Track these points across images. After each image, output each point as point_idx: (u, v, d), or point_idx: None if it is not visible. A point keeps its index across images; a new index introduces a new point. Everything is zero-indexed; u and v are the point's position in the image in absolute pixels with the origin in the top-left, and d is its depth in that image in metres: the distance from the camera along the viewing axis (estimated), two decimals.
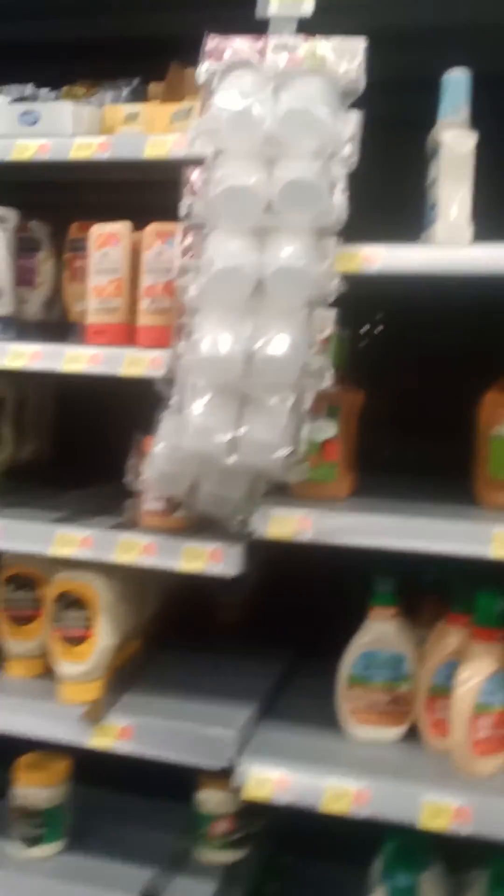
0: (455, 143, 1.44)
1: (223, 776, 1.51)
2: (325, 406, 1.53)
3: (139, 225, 1.63)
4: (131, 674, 1.70)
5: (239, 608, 1.92)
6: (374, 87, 1.44)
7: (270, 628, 1.87)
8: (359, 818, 1.42)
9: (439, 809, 1.39)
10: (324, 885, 1.74)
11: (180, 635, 1.83)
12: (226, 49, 1.44)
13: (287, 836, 1.84)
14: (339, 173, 1.39)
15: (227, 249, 1.37)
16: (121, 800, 1.88)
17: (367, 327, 1.95)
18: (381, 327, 1.95)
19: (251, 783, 1.47)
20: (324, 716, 1.59)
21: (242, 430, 1.37)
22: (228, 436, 1.36)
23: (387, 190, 1.62)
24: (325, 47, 1.42)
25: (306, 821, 1.53)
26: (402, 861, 1.46)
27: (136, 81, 1.79)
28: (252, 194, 1.36)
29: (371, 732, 1.56)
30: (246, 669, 1.76)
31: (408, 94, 1.52)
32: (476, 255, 1.41)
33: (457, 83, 1.46)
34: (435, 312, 1.73)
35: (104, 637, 1.64)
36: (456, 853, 1.63)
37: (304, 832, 1.75)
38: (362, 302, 1.81)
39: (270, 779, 1.46)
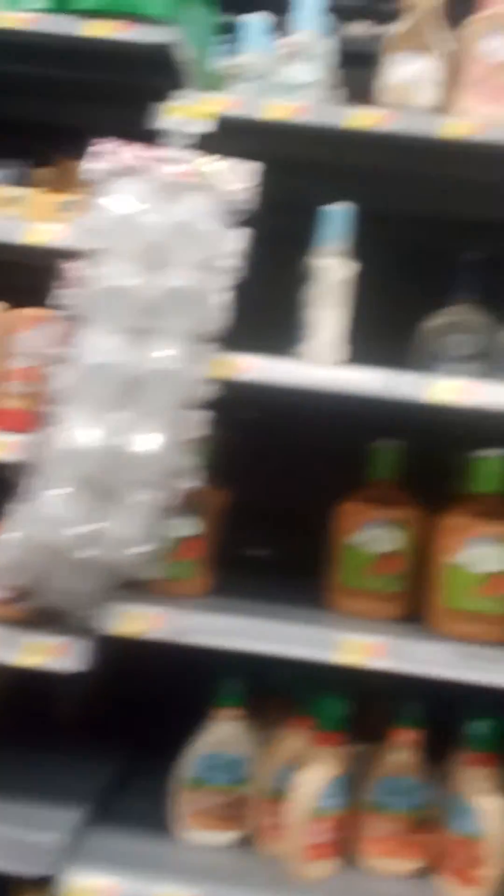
0: (329, 270, 1.55)
1: (40, 885, 1.43)
2: (189, 504, 1.55)
3: (11, 306, 1.62)
4: None
5: (81, 704, 1.86)
6: (267, 207, 1.52)
7: (111, 724, 1.82)
8: None
9: None
10: None
11: (14, 732, 1.74)
12: (118, 151, 1.48)
13: None
14: (222, 284, 1.45)
15: (102, 345, 1.39)
16: None
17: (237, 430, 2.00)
18: (250, 430, 2.01)
19: (72, 893, 1.40)
20: (158, 818, 1.55)
21: (101, 524, 1.37)
22: (83, 528, 1.35)
23: (275, 304, 1.71)
24: (218, 166, 1.49)
25: None
26: None
27: (18, 164, 1.80)
28: (132, 296, 1.40)
29: (207, 836, 1.54)
30: (81, 769, 1.69)
31: (301, 215, 1.59)
32: (339, 375, 1.49)
33: (337, 215, 1.56)
34: (304, 420, 1.81)
35: None
36: None
37: None
38: (233, 404, 1.87)
39: (95, 888, 1.40)
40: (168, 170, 1.45)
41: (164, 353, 1.41)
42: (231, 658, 1.49)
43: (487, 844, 1.42)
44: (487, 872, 1.42)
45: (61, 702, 1.87)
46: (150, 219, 1.43)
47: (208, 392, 1.44)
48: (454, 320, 1.72)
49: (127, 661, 1.73)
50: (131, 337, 1.42)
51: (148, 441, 1.38)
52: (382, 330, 1.70)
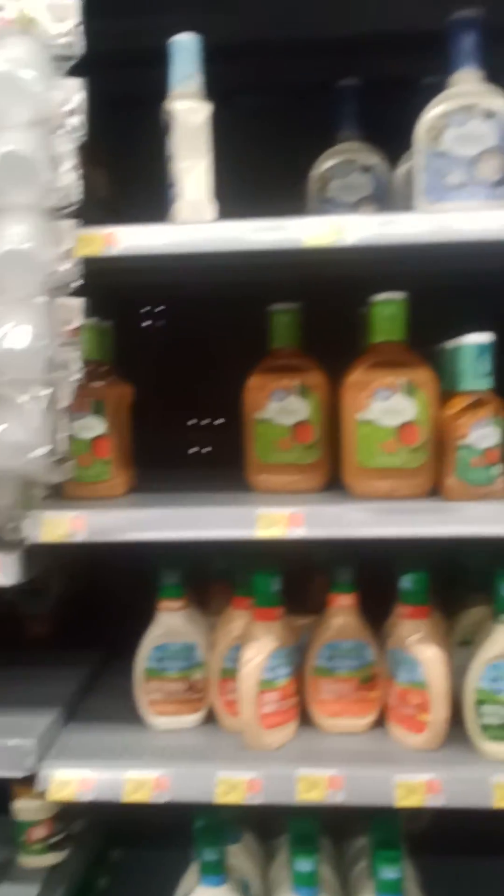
0: (187, 114, 1.40)
1: (30, 784, 1.51)
2: (89, 402, 1.52)
3: None
4: None
5: (48, 619, 1.92)
6: (114, 61, 1.38)
7: (80, 635, 1.87)
8: (161, 804, 1.45)
9: (234, 784, 1.44)
10: (153, 872, 1.77)
11: None
12: None
13: (115, 831, 1.86)
14: (65, 147, 1.32)
15: None
16: None
17: (143, 320, 1.94)
18: (156, 319, 1.95)
19: (53, 786, 1.48)
20: (127, 712, 1.61)
21: None
22: None
23: (149, 171, 1.60)
24: (36, 7, 1.32)
25: (133, 814, 1.56)
26: (210, 838, 1.50)
27: None
28: None
29: (170, 721, 1.59)
30: (51, 678, 1.75)
31: (144, 65, 1.46)
32: (215, 232, 1.39)
33: (185, 49, 1.41)
34: (205, 300, 1.73)
35: None
36: (268, 821, 1.70)
37: (130, 825, 1.78)
38: (132, 292, 1.81)
39: (72, 780, 1.48)
40: None
41: (12, 233, 1.29)
42: (170, 550, 1.49)
43: (431, 691, 1.42)
44: (433, 717, 1.43)
45: (34, 619, 1.93)
46: None
47: (76, 274, 1.34)
48: (342, 161, 1.59)
49: (91, 571, 1.78)
50: None
51: (18, 335, 1.29)
52: (271, 180, 1.60)
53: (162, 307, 1.89)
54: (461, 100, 1.42)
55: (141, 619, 1.61)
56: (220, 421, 1.84)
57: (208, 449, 1.83)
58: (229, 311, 1.71)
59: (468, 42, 1.42)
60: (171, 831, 1.70)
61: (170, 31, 1.42)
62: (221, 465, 1.72)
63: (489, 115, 1.41)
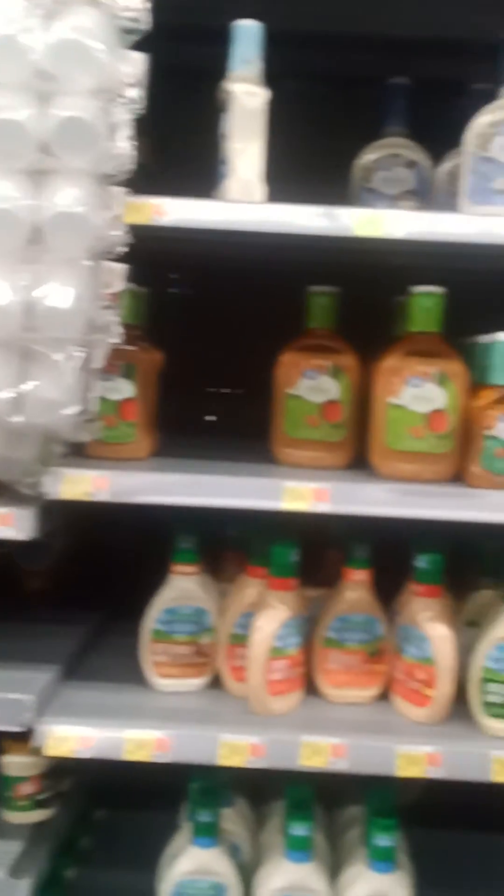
0: (245, 97, 1.44)
1: (25, 739, 1.51)
2: (120, 365, 1.53)
3: None
4: None
5: (48, 575, 1.92)
6: (171, 34, 1.40)
7: (81, 593, 1.88)
8: (161, 764, 1.47)
9: (236, 748, 1.47)
10: (137, 833, 1.79)
11: None
12: None
13: (100, 790, 1.88)
14: (123, 117, 1.34)
15: None
16: None
17: (174, 288, 1.96)
18: (186, 288, 1.97)
19: (51, 742, 1.48)
20: (130, 672, 1.62)
21: (27, 386, 1.32)
22: (11, 393, 1.31)
23: (191, 143, 1.62)
24: None
25: (118, 774, 1.57)
26: (205, 800, 1.53)
27: None
28: (24, 130, 1.27)
29: (175, 684, 1.61)
30: (52, 635, 1.75)
31: (209, 43, 1.48)
32: (267, 214, 1.42)
33: (247, 33, 1.45)
34: (239, 274, 1.76)
35: None
36: (260, 788, 1.74)
37: (116, 785, 1.79)
38: (167, 260, 1.82)
39: (70, 736, 1.48)
40: None
41: (66, 195, 1.30)
42: (186, 516, 1.51)
43: (437, 667, 1.49)
44: (438, 692, 1.49)
45: (34, 574, 1.92)
46: (31, 39, 1.28)
47: (122, 240, 1.36)
48: (387, 154, 1.65)
49: (94, 530, 1.78)
50: (30, 180, 1.31)
51: (62, 295, 1.30)
52: (313, 166, 1.64)
53: (192, 276, 1.91)
54: None
55: (146, 581, 1.62)
56: (239, 391, 1.87)
57: (224, 418, 1.86)
58: (262, 286, 1.74)
59: None
60: (157, 794, 1.72)
61: (229, 11, 1.45)
62: (236, 434, 1.75)
63: None
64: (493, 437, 1.46)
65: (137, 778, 1.62)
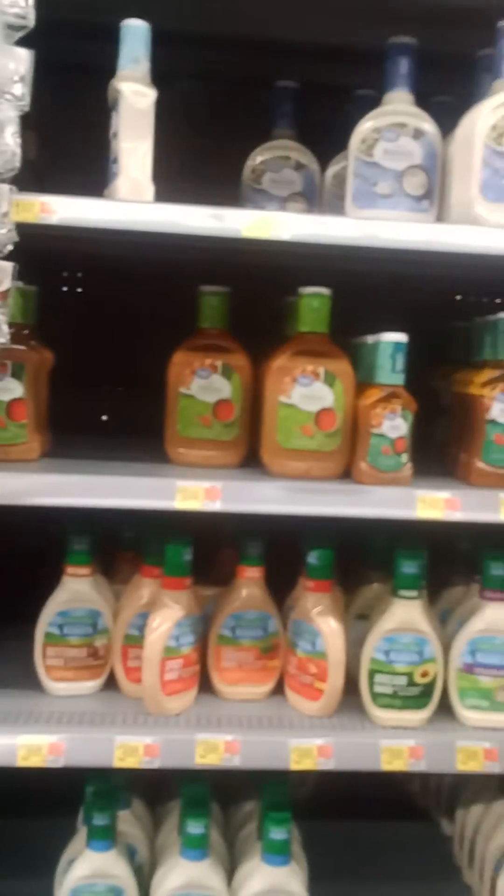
0: (134, 97, 1.44)
1: None
2: (8, 364, 1.51)
3: None
4: None
5: None
6: (60, 31, 1.38)
7: None
8: (57, 769, 1.45)
9: (131, 749, 1.47)
10: (35, 841, 1.76)
11: None
12: None
13: None
14: (9, 114, 1.32)
15: None
16: None
17: (64, 286, 1.94)
18: (77, 286, 1.95)
19: None
20: (24, 677, 1.60)
21: None
22: None
23: (84, 140, 1.59)
24: None
25: (14, 782, 1.54)
26: (101, 803, 1.52)
27: None
28: None
29: (70, 687, 1.59)
30: None
31: (100, 39, 1.48)
32: (156, 214, 1.42)
33: (135, 33, 1.45)
34: (131, 272, 1.75)
35: None
36: (158, 788, 1.74)
37: (12, 793, 1.76)
38: (57, 259, 1.80)
39: None
40: None
41: None
42: (80, 517, 1.50)
43: (328, 661, 1.52)
44: (329, 685, 1.52)
45: None
46: None
47: (9, 238, 1.34)
48: (276, 156, 1.67)
49: None
50: None
51: None
52: (205, 166, 1.64)
53: (82, 274, 1.89)
54: (394, 117, 1.53)
55: (40, 584, 1.60)
56: (132, 390, 1.86)
57: (117, 417, 1.85)
58: (154, 285, 1.74)
59: (403, 66, 1.53)
60: (55, 800, 1.70)
61: (118, 8, 1.45)
62: (130, 433, 1.74)
63: (418, 134, 1.53)
64: (380, 435, 1.50)
65: (34, 785, 1.59)
